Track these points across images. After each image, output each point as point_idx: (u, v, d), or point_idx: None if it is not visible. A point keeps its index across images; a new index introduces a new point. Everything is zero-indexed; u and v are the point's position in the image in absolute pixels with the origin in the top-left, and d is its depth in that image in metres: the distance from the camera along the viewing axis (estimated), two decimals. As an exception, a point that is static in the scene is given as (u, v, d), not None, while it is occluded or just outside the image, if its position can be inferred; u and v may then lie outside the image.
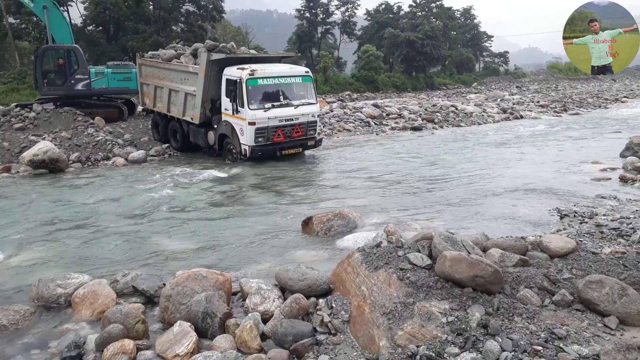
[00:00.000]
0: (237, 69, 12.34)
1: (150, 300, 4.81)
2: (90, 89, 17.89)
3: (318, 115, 13.68)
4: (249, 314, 4.13)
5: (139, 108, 20.63)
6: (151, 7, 32.06)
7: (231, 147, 12.94)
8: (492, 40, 59.44)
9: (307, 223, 6.98)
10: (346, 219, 7.16)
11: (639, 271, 3.89)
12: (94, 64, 22.28)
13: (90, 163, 13.48)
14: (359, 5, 48.67)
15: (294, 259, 5.77)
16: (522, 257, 4.34)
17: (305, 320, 4.00)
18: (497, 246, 4.64)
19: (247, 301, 4.39)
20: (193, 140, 14.40)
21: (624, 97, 33.29)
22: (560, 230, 6.25)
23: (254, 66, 12.41)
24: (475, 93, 36.72)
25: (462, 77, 50.36)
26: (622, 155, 11.72)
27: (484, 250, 4.62)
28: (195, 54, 13.95)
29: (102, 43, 30.00)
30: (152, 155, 14.56)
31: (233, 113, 12.27)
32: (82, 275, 5.22)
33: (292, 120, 12.65)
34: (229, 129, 12.72)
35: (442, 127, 20.27)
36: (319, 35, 47.21)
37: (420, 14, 49.37)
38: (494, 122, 21.74)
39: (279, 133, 12.51)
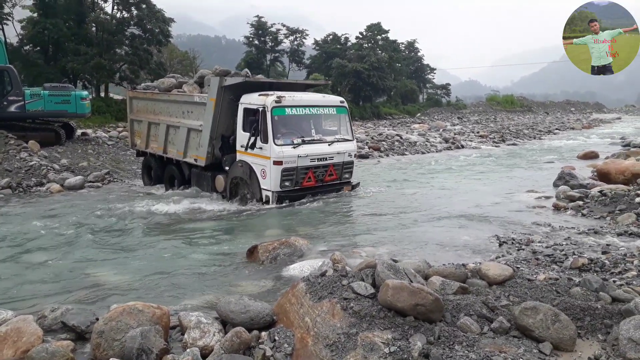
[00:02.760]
0: (259, 95, 10.22)
1: (81, 336, 4.50)
2: (24, 111, 17.10)
3: (355, 155, 11.46)
4: (187, 350, 3.94)
5: (79, 132, 19.84)
6: (94, 28, 31.24)
7: (247, 194, 10.51)
8: (434, 73, 62.16)
9: (252, 252, 6.85)
10: (292, 247, 7.07)
11: (570, 297, 4.05)
12: (31, 85, 21.29)
13: (21, 189, 12.73)
14: (307, 35, 49.77)
15: (237, 290, 5.61)
16: (462, 284, 4.42)
17: (246, 355, 3.86)
18: (438, 274, 4.71)
19: (186, 336, 4.20)
20: (196, 186, 12.04)
21: (556, 129, 35.53)
22: (499, 257, 6.45)
23: (280, 93, 10.36)
24: (419, 123, 38.03)
25: (407, 107, 52.08)
26: (555, 185, 12.37)
27: (426, 278, 4.67)
28: (200, 83, 12.13)
29: (40, 64, 28.78)
30: (90, 181, 13.96)
31: (252, 149, 10.02)
32: (5, 311, 4.82)
33: (326, 159, 10.47)
34: (246, 171, 10.34)
35: (387, 155, 20.77)
36: (268, 62, 47.68)
37: (366, 45, 50.99)
38: (436, 152, 22.53)
39: (310, 176, 10.29)
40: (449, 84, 62.19)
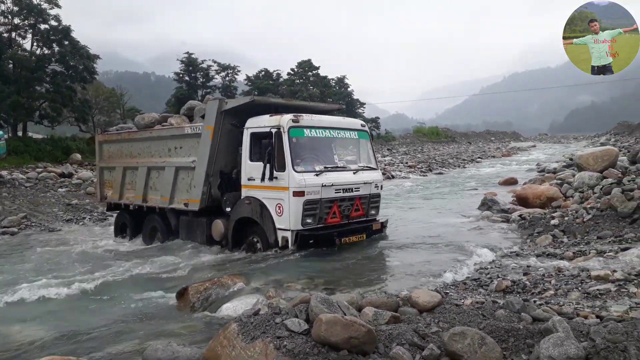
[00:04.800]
0: (271, 116, 8.73)
1: (-12, 401, 4.08)
2: None
3: (381, 186, 9.86)
4: (111, 405, 3.67)
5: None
6: (11, 65, 29.64)
7: (255, 240, 8.87)
8: (364, 107, 64.08)
9: (182, 294, 6.57)
10: (225, 286, 6.87)
11: (495, 319, 4.21)
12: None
13: None
14: (239, 71, 50.02)
15: (165, 336, 5.34)
16: (394, 313, 4.47)
17: (175, 405, 3.65)
18: (371, 304, 4.74)
19: (109, 390, 3.92)
20: (186, 237, 10.14)
21: (478, 157, 37.66)
22: (429, 283, 6.61)
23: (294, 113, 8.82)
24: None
25: (340, 140, 52.99)
26: (479, 210, 13.03)
27: (359, 309, 4.69)
28: (189, 115, 10.58)
29: (-50, 103, 26.78)
30: (5, 227, 12.98)
31: (263, 181, 8.33)
32: None
33: (352, 190, 8.90)
34: (256, 209, 8.62)
35: (321, 188, 20.95)
36: (200, 98, 47.20)
37: (298, 81, 52.04)
38: (369, 182, 23.04)
39: (335, 210, 8.65)
40: (378, 118, 64.13)
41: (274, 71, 54.19)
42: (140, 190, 10.97)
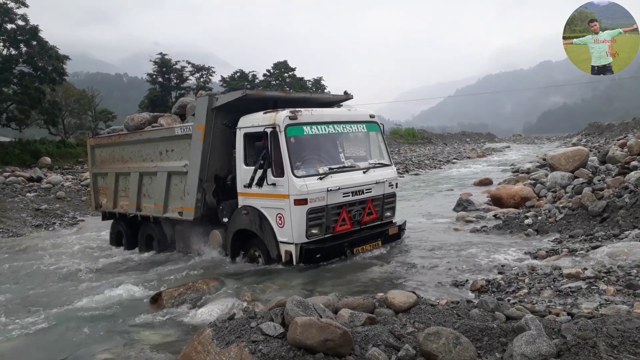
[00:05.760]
0: (265, 113, 7.73)
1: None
2: None
3: (396, 185, 9.02)
4: (80, 416, 3.56)
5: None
6: (-24, 66, 28.78)
7: (256, 253, 8.11)
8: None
9: (156, 299, 6.46)
10: (200, 291, 6.79)
11: (469, 319, 4.24)
12: None
13: None
14: (214, 72, 49.59)
15: (138, 342, 5.22)
16: (370, 315, 4.46)
17: (147, 414, 3.56)
18: (347, 306, 4.72)
19: (78, 400, 3.80)
20: (183, 249, 9.45)
21: (454, 158, 38.11)
22: (405, 284, 6.64)
23: (293, 108, 7.76)
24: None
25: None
26: (455, 210, 13.16)
27: (336, 311, 4.66)
28: (182, 114, 9.79)
29: None
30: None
31: (261, 188, 7.53)
32: None
33: (363, 192, 8.01)
34: (255, 220, 7.79)
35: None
36: (173, 99, 46.64)
37: (274, 82, 51.86)
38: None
39: (344, 217, 7.80)
40: (355, 119, 64.30)
41: (250, 72, 53.93)
42: (133, 197, 10.19)
